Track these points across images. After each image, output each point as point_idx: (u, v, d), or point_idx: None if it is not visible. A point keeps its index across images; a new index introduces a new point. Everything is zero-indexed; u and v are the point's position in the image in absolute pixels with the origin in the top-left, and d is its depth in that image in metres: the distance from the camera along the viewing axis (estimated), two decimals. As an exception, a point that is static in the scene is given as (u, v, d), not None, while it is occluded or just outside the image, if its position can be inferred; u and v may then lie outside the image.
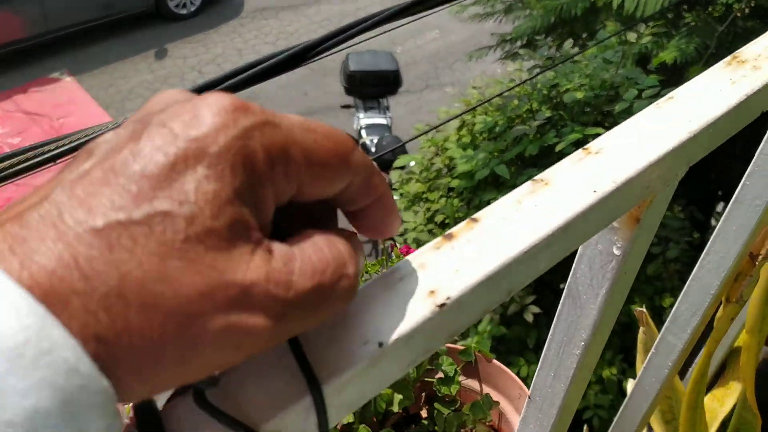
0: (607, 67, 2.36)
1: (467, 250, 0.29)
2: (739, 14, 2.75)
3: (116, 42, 6.49)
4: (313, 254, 0.23)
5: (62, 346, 0.17)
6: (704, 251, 0.67)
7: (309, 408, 0.24)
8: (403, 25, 1.54)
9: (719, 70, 0.40)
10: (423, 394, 0.83)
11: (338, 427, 0.77)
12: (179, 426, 0.23)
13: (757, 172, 0.60)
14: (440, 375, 0.78)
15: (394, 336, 0.26)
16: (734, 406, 0.97)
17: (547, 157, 2.36)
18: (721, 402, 1.03)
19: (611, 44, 2.51)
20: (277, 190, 0.23)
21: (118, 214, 0.20)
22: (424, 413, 0.82)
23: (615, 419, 0.86)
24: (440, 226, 2.70)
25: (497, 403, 0.79)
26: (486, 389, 0.81)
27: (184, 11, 6.87)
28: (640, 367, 0.84)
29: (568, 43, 2.84)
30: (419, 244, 2.68)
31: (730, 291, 0.69)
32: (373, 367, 0.26)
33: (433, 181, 2.72)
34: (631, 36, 2.50)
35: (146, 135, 0.21)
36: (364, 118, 4.86)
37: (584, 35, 3.15)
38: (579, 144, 2.39)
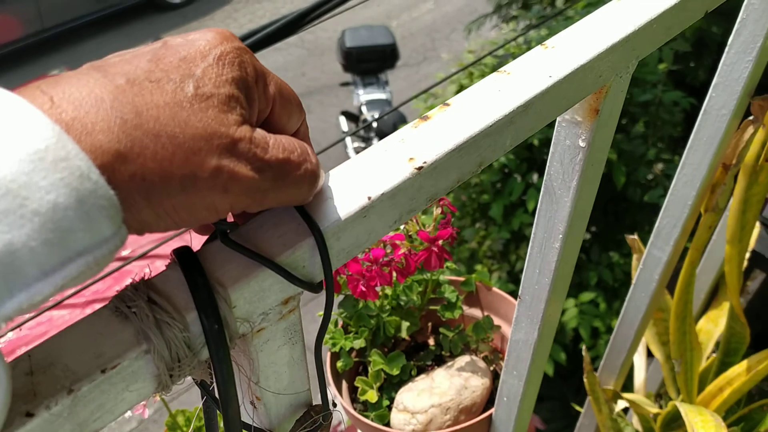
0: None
1: (440, 127, 0.35)
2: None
3: (112, 35, 6.52)
4: (285, 140, 0.29)
5: (75, 156, 0.22)
6: (680, 164, 0.72)
7: (313, 247, 0.30)
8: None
9: (663, -26, 0.44)
10: (429, 324, 0.89)
11: (353, 356, 0.83)
12: (212, 260, 0.29)
13: (722, 83, 0.65)
14: (444, 303, 0.84)
15: (380, 191, 0.31)
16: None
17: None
18: (715, 322, 1.08)
19: (602, -1, 2.53)
20: (260, 103, 0.29)
21: (138, 74, 0.26)
22: (431, 342, 0.87)
23: (611, 337, 0.92)
24: (444, 190, 2.74)
25: (498, 326, 0.85)
26: (487, 314, 0.87)
27: (177, 0, 6.89)
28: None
29: (561, 0, 2.85)
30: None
31: (707, 201, 0.74)
32: (363, 218, 0.31)
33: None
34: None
35: (165, 42, 0.28)
36: (364, 95, 4.88)
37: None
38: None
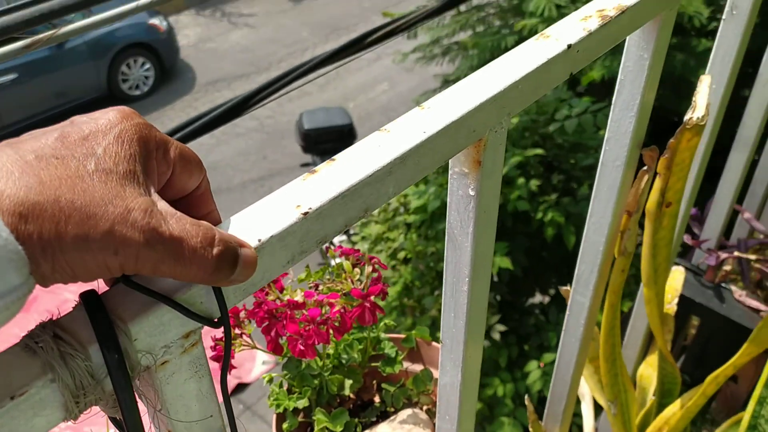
0: (536, 93, 2.53)
1: (326, 178, 0.40)
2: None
3: (74, 129, 6.59)
4: (189, 222, 0.33)
5: None
6: (588, 214, 0.78)
7: (209, 288, 0.34)
8: (336, 68, 1.68)
9: (529, 43, 0.51)
10: (374, 382, 0.92)
11: (300, 417, 0.85)
12: (114, 300, 0.32)
13: (612, 137, 0.72)
14: (384, 358, 0.87)
15: (269, 234, 0.36)
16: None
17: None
18: (654, 367, 1.12)
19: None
20: (160, 169, 0.34)
21: (46, 151, 0.31)
22: (376, 399, 0.90)
23: (551, 385, 0.96)
24: (403, 262, 2.80)
25: (437, 379, 0.88)
26: (429, 369, 0.90)
27: (137, 92, 7.04)
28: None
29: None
30: (384, 281, 2.76)
31: (618, 246, 0.80)
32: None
33: (391, 220, 2.84)
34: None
35: (72, 120, 0.33)
36: (324, 174, 4.99)
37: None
38: (522, 166, 2.54)
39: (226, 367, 0.38)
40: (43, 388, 0.29)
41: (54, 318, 0.32)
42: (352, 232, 3.36)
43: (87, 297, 0.32)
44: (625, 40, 0.65)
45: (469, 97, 0.46)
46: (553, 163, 2.62)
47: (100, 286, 0.33)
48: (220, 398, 0.39)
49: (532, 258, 2.61)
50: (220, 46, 8.12)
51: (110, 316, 0.31)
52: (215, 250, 0.32)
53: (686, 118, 0.73)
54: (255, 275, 0.36)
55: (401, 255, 2.81)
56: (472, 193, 0.51)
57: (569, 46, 0.51)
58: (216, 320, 0.35)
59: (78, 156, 0.31)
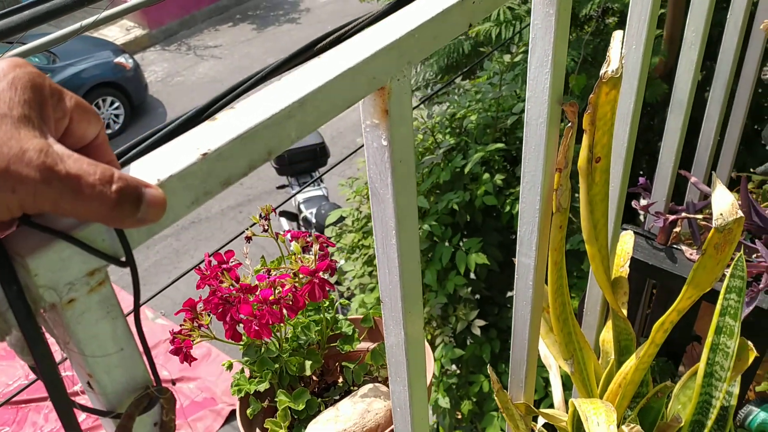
0: (493, 88, 2.57)
1: (225, 124, 0.42)
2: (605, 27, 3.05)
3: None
4: (86, 161, 0.34)
5: None
6: (521, 175, 0.81)
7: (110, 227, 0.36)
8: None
9: (424, -3, 0.54)
10: (337, 364, 0.93)
11: (265, 403, 0.85)
12: (13, 238, 0.34)
13: (532, 96, 0.74)
14: (342, 337, 0.89)
15: (168, 174, 0.38)
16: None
17: (460, 180, 2.52)
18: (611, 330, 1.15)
19: (493, 68, 2.74)
20: (56, 115, 0.36)
21: None
22: (340, 380, 0.91)
23: (510, 351, 0.97)
24: (380, 267, 2.81)
25: (398, 354, 0.89)
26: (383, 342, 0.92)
27: (109, 131, 7.03)
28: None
29: (460, 79, 3.07)
30: (362, 289, 2.79)
31: (553, 203, 0.82)
32: (156, 197, 0.37)
33: (365, 227, 2.85)
34: (507, 58, 2.74)
35: None
36: (301, 194, 5.00)
37: (478, 69, 3.41)
38: (485, 162, 2.58)
39: (138, 305, 0.39)
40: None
41: (-45, 259, 0.33)
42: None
43: (-13, 239, 0.34)
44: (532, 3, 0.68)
45: (366, 46, 0.48)
46: (516, 156, 2.66)
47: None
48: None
49: (506, 252, 2.63)
50: (187, 79, 8.16)
51: (8, 252, 0.33)
52: (114, 186, 0.34)
53: (602, 72, 0.76)
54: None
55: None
56: (384, 143, 0.53)
57: (465, -4, 0.54)
58: (123, 260, 0.37)
59: None
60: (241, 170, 0.42)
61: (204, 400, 4.20)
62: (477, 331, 2.41)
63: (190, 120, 1.50)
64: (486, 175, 2.50)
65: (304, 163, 5.11)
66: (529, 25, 2.81)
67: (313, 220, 4.69)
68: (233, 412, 4.08)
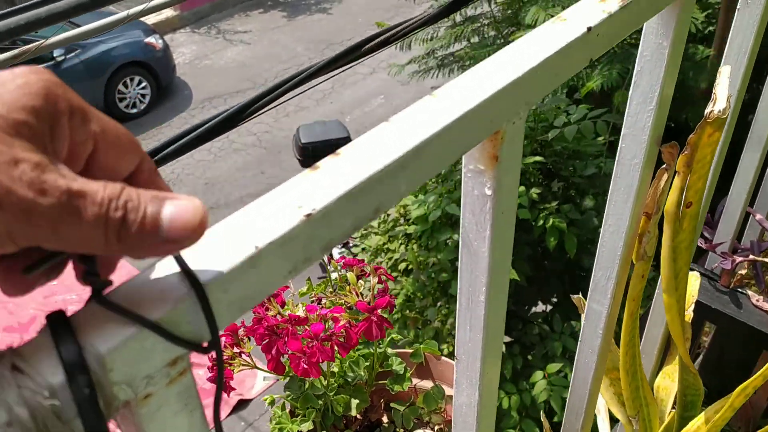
0: (536, 99, 2.49)
1: (330, 175, 0.35)
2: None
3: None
4: (94, 182, 0.28)
5: None
6: (604, 216, 0.73)
7: (196, 302, 0.29)
8: (332, 76, 1.64)
9: (545, 26, 0.47)
10: (381, 401, 0.87)
11: (302, 442, 0.79)
12: (86, 322, 0.27)
13: (629, 134, 0.67)
14: (392, 376, 0.82)
15: (268, 240, 0.31)
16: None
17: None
18: (672, 378, 1.07)
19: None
20: (75, 138, 0.29)
21: None
22: (385, 419, 0.85)
23: (567, 399, 0.90)
24: (404, 273, 2.75)
25: (450, 396, 0.83)
26: (440, 385, 0.85)
27: (134, 110, 7.01)
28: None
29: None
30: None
31: (636, 251, 0.75)
32: (252, 268, 0.31)
33: (391, 231, 2.79)
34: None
35: None
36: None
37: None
38: (521, 174, 2.50)
39: (219, 399, 0.33)
40: (-3, 432, 0.24)
41: (14, 347, 0.27)
42: (351, 244, 3.31)
43: (53, 319, 0.27)
44: (642, 28, 0.61)
45: (485, 85, 0.41)
46: (553, 170, 2.58)
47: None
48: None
49: (535, 267, 2.56)
50: (215, 62, 8.11)
51: (80, 343, 0.26)
52: (122, 201, 0.28)
53: (707, 111, 0.68)
54: (251, 287, 0.32)
55: (402, 266, 2.76)
56: (488, 192, 0.46)
57: (589, 29, 0.47)
58: (205, 345, 0.30)
59: None
60: (344, 232, 0.35)
61: (212, 388, 4.18)
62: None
63: (230, 118, 1.43)
64: (521, 188, 2.42)
65: (327, 156, 5.03)
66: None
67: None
68: (241, 401, 4.05)
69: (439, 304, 2.55)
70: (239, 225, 0.32)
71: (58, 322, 0.27)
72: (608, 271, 0.76)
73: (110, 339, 0.27)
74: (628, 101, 0.65)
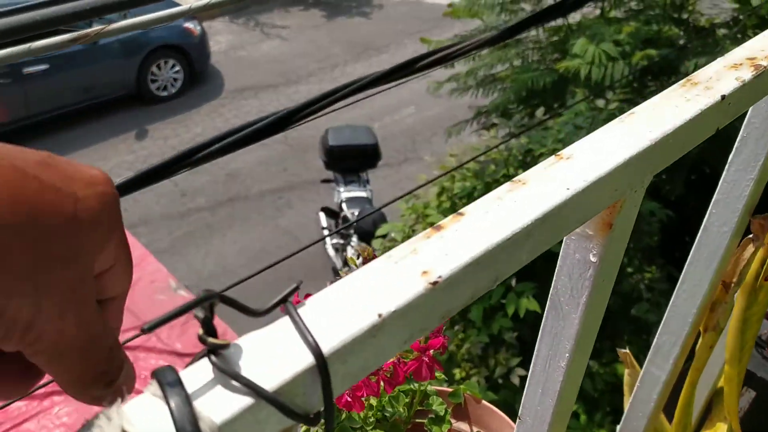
0: (578, 131, 2.46)
1: (455, 238, 0.32)
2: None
3: (98, 124, 6.59)
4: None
5: None
6: (679, 280, 0.70)
7: (314, 373, 0.26)
8: (380, 91, 1.61)
9: (674, 91, 0.44)
10: (415, 439, 0.83)
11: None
12: (198, 386, 0.25)
13: (722, 200, 0.64)
14: (431, 415, 0.79)
15: (392, 308, 0.28)
16: (723, 446, 0.98)
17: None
18: (711, 444, 1.03)
19: (581, 111, 2.62)
20: (106, 253, 0.28)
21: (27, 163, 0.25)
22: (416, 458, 0.81)
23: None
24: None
25: (488, 443, 0.79)
26: (477, 430, 0.82)
27: (165, 93, 7.03)
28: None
29: (540, 111, 2.96)
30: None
31: (707, 320, 0.72)
32: (372, 338, 0.28)
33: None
34: (600, 103, 2.62)
35: (50, 155, 0.27)
36: (345, 192, 4.91)
37: (555, 105, 3.29)
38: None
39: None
40: None
41: (120, 404, 0.24)
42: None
43: (162, 377, 0.24)
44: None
45: (615, 150, 0.38)
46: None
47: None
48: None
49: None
50: (250, 54, 8.13)
51: (193, 409, 0.24)
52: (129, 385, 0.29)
53: (804, 184, 0.65)
54: (368, 358, 0.29)
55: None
56: (593, 259, 0.43)
57: (723, 97, 0.43)
58: (312, 416, 0.27)
59: (59, 187, 0.25)
60: (461, 303, 0.32)
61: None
62: (516, 380, 2.30)
63: (277, 122, 1.41)
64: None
65: (354, 161, 5.00)
66: (628, 74, 2.68)
67: (354, 222, 4.59)
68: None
69: (456, 327, 2.52)
70: (361, 289, 0.29)
71: (169, 383, 0.24)
72: (675, 336, 0.72)
73: (226, 409, 0.24)
74: (727, 167, 0.61)
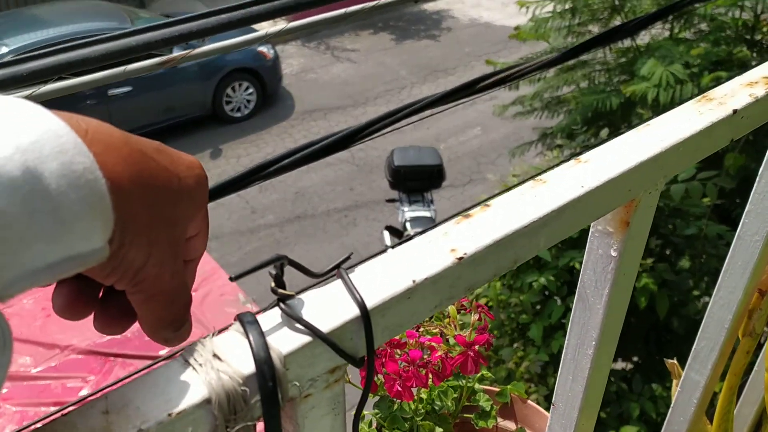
0: (641, 152, 2.46)
1: (480, 224, 0.39)
2: None
3: (175, 143, 6.88)
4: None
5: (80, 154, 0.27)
6: (716, 287, 0.73)
7: (360, 322, 0.33)
8: (443, 110, 1.68)
9: (689, 105, 0.49)
10: (462, 434, 0.89)
11: (382, 460, 0.82)
12: (270, 326, 0.32)
13: (754, 210, 0.67)
14: (478, 411, 0.84)
15: (424, 276, 0.35)
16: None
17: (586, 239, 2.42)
18: (761, 459, 1.04)
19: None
20: (197, 224, 0.35)
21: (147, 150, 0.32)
22: (463, 452, 0.87)
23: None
24: (483, 309, 2.74)
25: (532, 440, 0.84)
26: (524, 428, 0.86)
27: (238, 114, 7.33)
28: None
29: (605, 132, 2.96)
30: (463, 327, 2.72)
31: (744, 326, 0.74)
32: (407, 299, 0.35)
33: (475, 265, 2.80)
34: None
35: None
36: (409, 211, 4.98)
37: (623, 126, 3.27)
38: (617, 226, 2.45)
39: (362, 406, 0.37)
40: (198, 408, 0.29)
41: (213, 335, 0.32)
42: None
43: (244, 317, 0.32)
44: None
45: (628, 155, 0.44)
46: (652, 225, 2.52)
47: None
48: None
49: (620, 322, 2.50)
50: (321, 77, 8.38)
51: (266, 341, 0.31)
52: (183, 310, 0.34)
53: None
54: (403, 316, 0.35)
55: (482, 301, 2.75)
56: (614, 254, 0.49)
57: (735, 111, 0.48)
58: (357, 359, 0.34)
59: (168, 168, 0.32)
60: (485, 278, 0.39)
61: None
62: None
63: (343, 140, 1.50)
64: (615, 240, 2.38)
65: (418, 181, 5.08)
66: (696, 95, 2.66)
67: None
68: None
69: (515, 345, 2.53)
70: (399, 260, 0.36)
71: (249, 322, 0.32)
72: (712, 342, 0.75)
73: (290, 343, 0.31)
74: (758, 179, 0.65)
